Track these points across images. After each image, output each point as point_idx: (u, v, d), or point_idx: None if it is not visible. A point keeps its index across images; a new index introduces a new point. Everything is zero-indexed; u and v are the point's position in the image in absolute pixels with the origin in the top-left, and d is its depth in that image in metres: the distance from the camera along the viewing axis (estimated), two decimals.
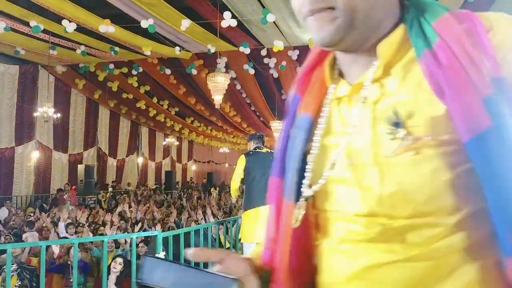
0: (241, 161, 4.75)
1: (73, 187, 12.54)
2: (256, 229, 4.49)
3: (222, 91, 9.59)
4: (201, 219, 8.53)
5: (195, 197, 14.63)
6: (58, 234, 6.96)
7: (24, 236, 6.99)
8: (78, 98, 14.79)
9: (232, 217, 6.55)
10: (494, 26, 0.60)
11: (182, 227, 7.13)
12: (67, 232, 6.90)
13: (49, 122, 11.75)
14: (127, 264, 4.96)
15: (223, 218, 8.16)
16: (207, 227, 5.03)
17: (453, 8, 0.64)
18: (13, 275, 5.50)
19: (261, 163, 4.64)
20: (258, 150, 4.80)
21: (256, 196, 4.52)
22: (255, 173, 4.61)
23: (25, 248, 5.85)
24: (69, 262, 5.44)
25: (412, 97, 0.61)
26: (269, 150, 4.85)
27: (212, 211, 9.97)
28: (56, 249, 5.63)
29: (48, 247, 5.87)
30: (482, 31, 0.59)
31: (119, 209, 9.24)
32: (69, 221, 7.35)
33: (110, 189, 16.45)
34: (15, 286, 5.47)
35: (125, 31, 8.71)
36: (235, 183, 4.89)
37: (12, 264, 5.51)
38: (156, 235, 3.82)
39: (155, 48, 9.57)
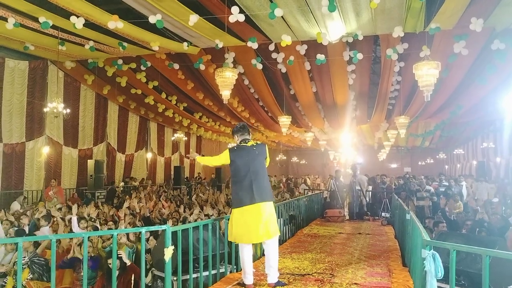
0: (225, 157, 4.54)
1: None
2: (244, 229, 4.35)
3: (230, 86, 9.58)
4: (211, 215, 8.55)
5: (204, 192, 14.68)
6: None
7: (42, 229, 7.10)
8: (88, 94, 14.89)
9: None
10: None
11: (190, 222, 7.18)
12: (79, 226, 6.97)
13: (59, 117, 11.84)
14: None
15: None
16: (216, 222, 5.03)
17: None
18: (24, 268, 5.59)
19: (247, 158, 4.44)
20: (243, 144, 4.55)
21: (242, 195, 4.38)
22: (241, 170, 4.42)
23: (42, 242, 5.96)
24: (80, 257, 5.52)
25: None
26: (254, 144, 4.57)
27: (220, 207, 10.01)
28: (77, 250, 5.68)
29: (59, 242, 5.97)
30: None
31: (126, 204, 9.30)
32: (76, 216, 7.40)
33: (122, 183, 16.57)
34: (27, 279, 5.56)
35: (133, 26, 8.74)
36: (207, 163, 4.97)
37: (24, 257, 5.61)
38: (165, 230, 3.84)
39: (163, 43, 9.59)
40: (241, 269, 4.63)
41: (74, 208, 7.39)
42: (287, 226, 7.86)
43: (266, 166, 4.66)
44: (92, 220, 7.57)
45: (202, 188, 16.89)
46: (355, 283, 4.55)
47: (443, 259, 3.28)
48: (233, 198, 4.56)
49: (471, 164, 24.90)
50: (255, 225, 4.32)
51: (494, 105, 13.01)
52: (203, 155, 5.70)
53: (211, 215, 8.54)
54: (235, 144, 4.74)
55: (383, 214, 10.84)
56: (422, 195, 11.55)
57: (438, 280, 3.25)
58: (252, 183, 4.37)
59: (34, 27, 8.87)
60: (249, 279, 4.44)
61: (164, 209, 10.03)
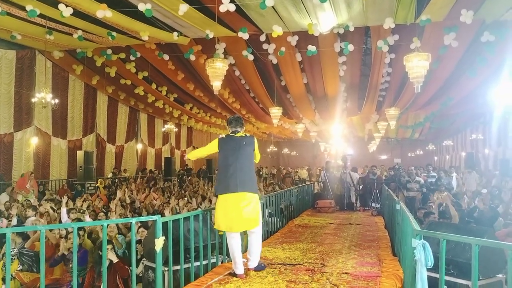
0: (213, 145, 4.66)
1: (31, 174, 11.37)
2: (224, 216, 4.40)
3: (221, 77, 9.53)
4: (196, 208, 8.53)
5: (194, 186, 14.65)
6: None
7: (29, 220, 7.03)
8: (76, 84, 14.71)
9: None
10: None
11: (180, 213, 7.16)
12: (69, 217, 6.91)
13: (47, 107, 11.68)
14: None
15: None
16: (207, 212, 5.02)
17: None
18: (13, 259, 5.54)
19: (234, 148, 4.52)
20: (232, 134, 4.65)
21: (225, 182, 4.44)
22: (227, 158, 4.51)
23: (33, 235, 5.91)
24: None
25: None
26: (243, 135, 4.66)
27: (210, 198, 9.99)
28: (63, 246, 5.63)
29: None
30: None
31: (118, 195, 9.25)
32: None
33: (110, 175, 16.45)
34: (17, 270, 5.51)
35: (123, 15, 8.61)
36: (197, 155, 5.04)
37: (13, 249, 5.55)
38: (156, 220, 3.81)
39: (152, 33, 9.47)
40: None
41: (64, 199, 7.33)
42: (277, 217, 7.87)
43: (257, 162, 4.77)
44: (81, 211, 7.52)
45: (193, 180, 16.86)
46: (346, 272, 4.58)
47: (433, 249, 3.31)
48: (217, 184, 4.65)
49: (460, 156, 25.16)
50: (235, 213, 4.38)
51: (484, 97, 13.11)
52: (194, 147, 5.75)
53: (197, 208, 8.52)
54: (225, 134, 4.80)
55: (373, 204, 10.92)
56: (411, 187, 11.63)
57: (428, 269, 3.28)
58: (236, 172, 4.43)
59: (21, 16, 8.71)
60: (239, 269, 4.46)
61: (156, 200, 10.00)
